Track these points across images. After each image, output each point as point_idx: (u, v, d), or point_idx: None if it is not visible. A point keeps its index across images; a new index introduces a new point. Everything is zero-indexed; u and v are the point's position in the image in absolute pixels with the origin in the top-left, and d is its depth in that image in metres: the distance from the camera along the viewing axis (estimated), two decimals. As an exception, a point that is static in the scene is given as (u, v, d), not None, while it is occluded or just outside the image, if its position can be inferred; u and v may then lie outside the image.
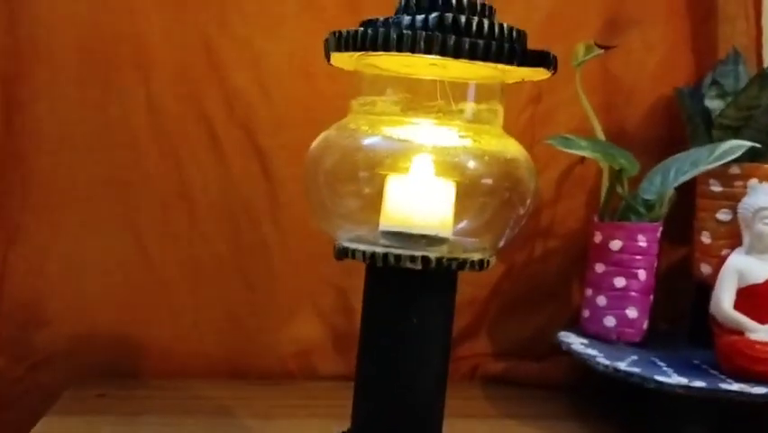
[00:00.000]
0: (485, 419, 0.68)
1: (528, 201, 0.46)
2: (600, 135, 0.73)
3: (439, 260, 0.43)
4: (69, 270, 0.70)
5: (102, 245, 0.71)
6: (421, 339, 0.45)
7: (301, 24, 0.71)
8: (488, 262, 0.45)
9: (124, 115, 0.70)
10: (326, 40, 0.44)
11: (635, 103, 0.79)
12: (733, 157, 0.65)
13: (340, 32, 0.43)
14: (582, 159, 0.77)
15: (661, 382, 0.59)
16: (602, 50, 0.71)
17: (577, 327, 0.73)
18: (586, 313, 0.72)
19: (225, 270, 0.73)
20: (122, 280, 0.71)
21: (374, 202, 0.45)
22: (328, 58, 0.45)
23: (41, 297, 0.70)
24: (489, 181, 0.44)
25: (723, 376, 0.62)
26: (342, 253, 0.45)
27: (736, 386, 0.59)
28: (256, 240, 0.73)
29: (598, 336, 0.71)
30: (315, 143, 0.47)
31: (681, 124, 0.77)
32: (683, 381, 0.59)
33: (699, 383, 0.59)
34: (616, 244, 0.70)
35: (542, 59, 0.42)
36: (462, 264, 0.44)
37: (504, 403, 0.72)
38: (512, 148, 0.45)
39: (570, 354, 0.69)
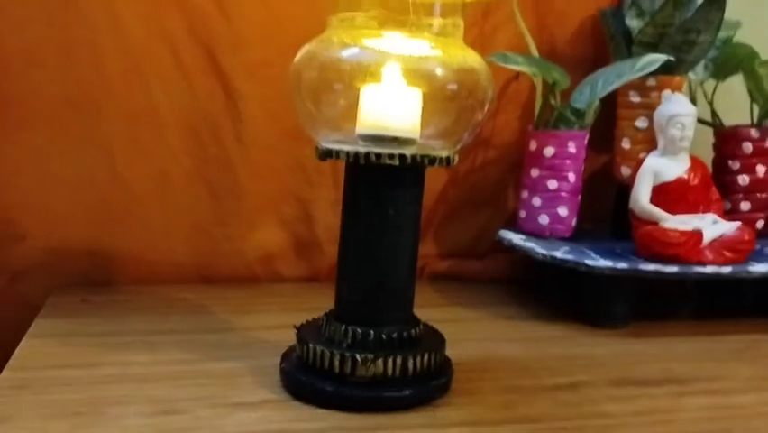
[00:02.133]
0: (436, 307, 0.76)
1: (486, 107, 0.53)
2: (535, 53, 0.80)
3: (413, 157, 0.50)
4: (41, 185, 0.73)
5: (71, 161, 0.74)
6: (396, 227, 0.52)
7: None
8: (453, 159, 0.52)
9: (89, 35, 0.72)
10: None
11: (565, 24, 0.86)
12: (652, 69, 0.73)
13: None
14: (517, 75, 0.85)
15: (591, 266, 0.69)
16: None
17: (514, 226, 0.82)
18: (522, 213, 0.81)
19: (192, 182, 0.77)
20: (92, 194, 0.75)
21: (352, 109, 0.51)
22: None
23: (15, 212, 0.73)
24: (454, 87, 0.51)
25: (641, 260, 0.72)
26: (327, 155, 0.51)
27: (652, 266, 0.69)
28: (220, 154, 0.78)
29: (533, 233, 0.79)
30: (298, 56, 0.52)
31: (605, 43, 0.85)
32: (609, 263, 0.69)
33: (622, 265, 0.69)
34: (549, 151, 0.78)
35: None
36: (433, 161, 0.51)
37: (451, 294, 0.81)
38: (473, 58, 0.52)
39: (510, 249, 0.78)
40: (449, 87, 0.51)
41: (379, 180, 0.51)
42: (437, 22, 0.51)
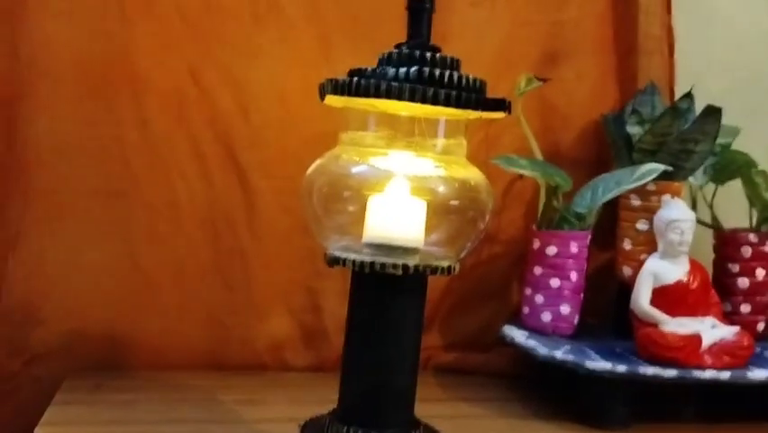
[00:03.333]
0: (439, 402, 0.77)
1: (487, 218, 0.56)
2: (539, 156, 0.84)
3: (416, 267, 0.53)
4: (65, 273, 0.77)
5: (95, 250, 0.78)
6: (399, 332, 0.54)
7: (277, 54, 0.80)
8: (454, 268, 0.55)
9: (117, 132, 0.77)
10: (322, 84, 0.53)
11: (569, 127, 0.90)
12: (650, 178, 0.76)
13: (336, 80, 0.52)
14: (521, 176, 0.88)
15: (590, 369, 0.70)
16: (541, 82, 0.82)
17: (517, 321, 0.84)
18: (526, 310, 0.83)
19: (207, 272, 0.81)
20: (113, 282, 0.78)
21: (359, 218, 0.55)
22: (322, 98, 0.54)
23: (38, 297, 0.77)
24: (456, 203, 0.54)
25: (641, 361, 0.73)
26: (334, 262, 0.54)
27: (651, 369, 0.71)
28: (234, 245, 0.81)
29: (536, 330, 0.81)
30: (310, 169, 0.56)
31: (607, 146, 0.89)
32: (608, 365, 0.70)
33: (621, 367, 0.70)
34: (551, 250, 0.81)
35: (499, 104, 0.52)
36: (434, 270, 0.53)
37: (454, 389, 0.82)
38: (475, 175, 0.55)
39: (512, 345, 0.79)
40: (451, 203, 0.54)
41: (382, 288, 0.54)
42: (441, 142, 0.54)
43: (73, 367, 0.77)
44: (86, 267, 0.78)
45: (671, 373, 0.71)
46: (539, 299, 0.82)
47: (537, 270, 0.82)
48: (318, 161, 0.56)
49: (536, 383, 0.84)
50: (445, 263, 0.54)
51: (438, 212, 0.54)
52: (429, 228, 0.54)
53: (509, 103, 0.53)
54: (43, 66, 0.75)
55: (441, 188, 0.54)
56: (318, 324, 0.84)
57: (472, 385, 0.83)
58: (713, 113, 0.76)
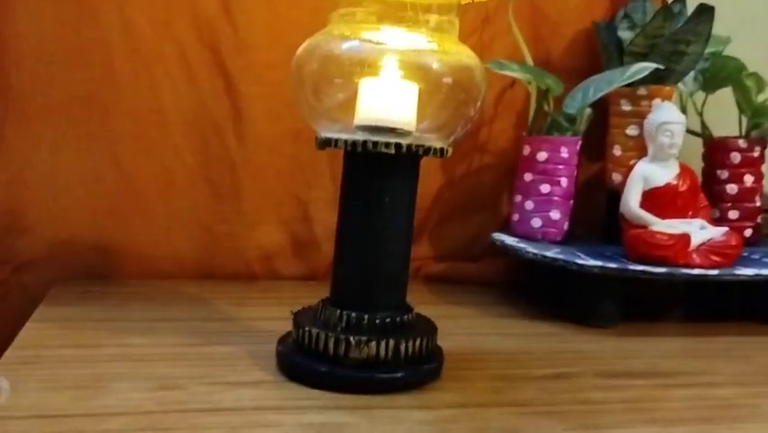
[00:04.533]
0: (429, 304, 0.77)
1: (479, 103, 0.55)
2: (530, 62, 0.83)
3: (408, 146, 0.52)
4: (49, 179, 0.76)
5: (79, 157, 0.76)
6: (391, 214, 0.54)
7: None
8: (447, 150, 0.54)
9: (99, 35, 0.75)
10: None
11: (560, 36, 0.89)
12: (641, 76, 0.76)
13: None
14: (512, 83, 0.87)
15: (581, 265, 0.71)
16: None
17: (507, 229, 0.84)
18: (515, 217, 0.83)
19: (194, 180, 0.80)
20: (98, 189, 0.77)
21: (351, 101, 0.54)
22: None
23: (23, 204, 0.76)
24: (449, 81, 0.53)
25: (630, 261, 0.74)
26: (325, 143, 0.53)
27: (641, 267, 0.71)
28: (222, 153, 0.80)
29: (525, 236, 0.81)
30: (300, 48, 0.54)
31: (597, 54, 0.88)
32: (599, 263, 0.71)
33: (612, 265, 0.71)
34: (542, 156, 0.81)
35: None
36: (427, 151, 0.53)
37: (444, 294, 0.82)
38: (468, 54, 0.54)
39: (503, 250, 0.80)
40: (444, 81, 0.53)
41: (375, 168, 0.53)
42: (434, 18, 0.53)
43: (60, 275, 0.76)
44: (70, 173, 0.76)
45: (660, 269, 0.71)
46: (529, 205, 0.81)
47: (527, 176, 0.82)
48: (308, 40, 0.54)
49: (527, 289, 0.84)
50: (438, 145, 0.54)
51: (431, 90, 0.53)
52: (421, 110, 0.53)
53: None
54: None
55: (434, 64, 0.53)
56: (308, 233, 0.84)
57: (462, 292, 0.84)
58: (705, 12, 0.76)
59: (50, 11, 0.74)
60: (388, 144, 0.51)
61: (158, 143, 0.78)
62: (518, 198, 0.83)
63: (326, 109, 0.54)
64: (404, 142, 0.52)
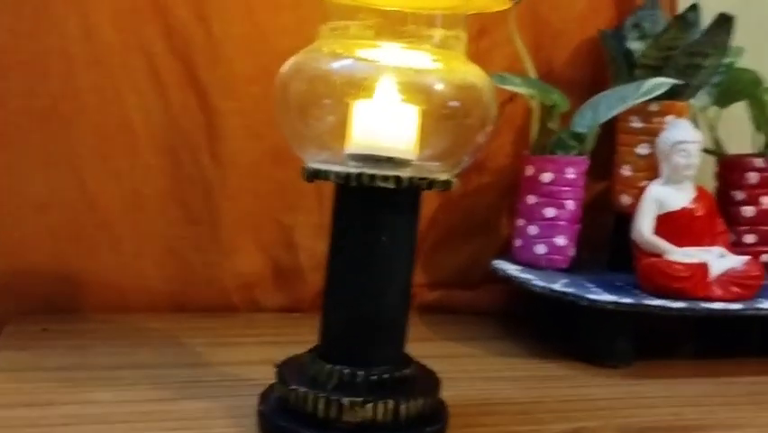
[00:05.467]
0: (425, 341, 0.71)
1: (489, 127, 0.48)
2: (533, 74, 0.77)
3: (410, 179, 0.45)
4: (5, 204, 0.68)
5: (39, 179, 0.69)
6: (389, 255, 0.47)
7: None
8: (452, 182, 0.47)
9: (60, 44, 0.67)
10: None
11: (562, 45, 0.83)
12: (658, 93, 0.69)
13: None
14: (511, 97, 0.81)
15: (593, 300, 0.64)
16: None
17: (508, 255, 0.77)
18: (518, 242, 0.76)
19: (166, 204, 0.73)
20: (60, 214, 0.70)
21: (343, 126, 0.47)
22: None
23: (-26, 232, 0.68)
24: (456, 104, 0.47)
25: (644, 294, 0.67)
26: (314, 175, 0.47)
27: (658, 302, 0.65)
28: (197, 174, 0.73)
29: (528, 264, 0.75)
30: (285, 67, 0.48)
31: (603, 65, 0.82)
32: (613, 298, 0.64)
33: (627, 300, 0.64)
34: (546, 177, 0.74)
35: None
36: (431, 184, 0.46)
37: (441, 327, 0.76)
38: (477, 73, 0.48)
39: (505, 280, 0.73)
40: (449, 105, 0.46)
41: (371, 204, 0.46)
42: (438, 33, 0.46)
43: (18, 309, 0.69)
44: (29, 198, 0.69)
45: (678, 304, 0.65)
46: (532, 230, 0.75)
47: (530, 199, 0.75)
48: (294, 58, 0.47)
49: (528, 320, 0.78)
50: (443, 177, 0.47)
51: (434, 116, 0.46)
52: (422, 136, 0.47)
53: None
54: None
55: (438, 85, 0.46)
56: (291, 261, 0.77)
57: (461, 324, 0.77)
58: (725, 22, 0.70)
59: (4, 17, 0.66)
60: (386, 177, 0.45)
61: (125, 163, 0.71)
62: (521, 221, 0.76)
63: (314, 135, 0.48)
64: (404, 174, 0.45)
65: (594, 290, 0.67)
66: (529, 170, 0.75)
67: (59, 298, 0.71)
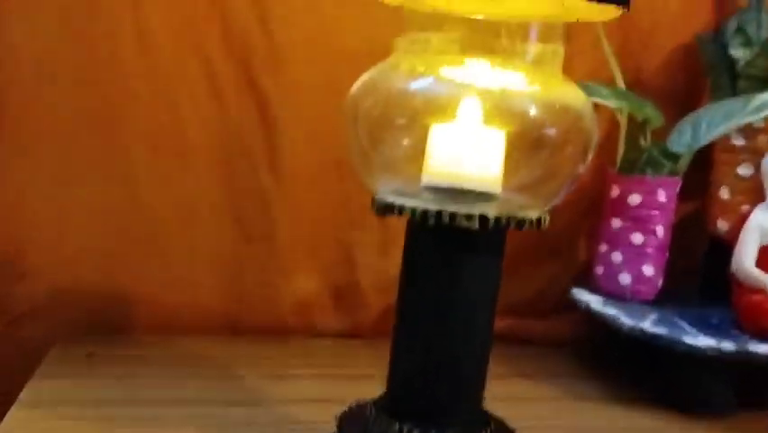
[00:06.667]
0: (496, 379, 0.65)
1: (590, 155, 0.42)
2: (621, 83, 0.69)
3: (497, 219, 0.39)
4: (50, 216, 0.64)
5: (86, 188, 0.65)
6: (469, 302, 0.41)
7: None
8: (544, 220, 0.41)
9: (111, 46, 0.63)
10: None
11: (653, 51, 0.75)
12: (771, 111, 0.62)
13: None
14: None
15: (691, 345, 0.57)
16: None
17: (587, 282, 0.71)
18: (600, 270, 0.70)
19: (221, 218, 0.68)
20: (108, 228, 0.65)
21: (419, 152, 0.41)
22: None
23: (19, 246, 0.64)
24: (550, 131, 0.40)
25: (746, 336, 0.60)
26: (386, 209, 0.41)
27: (765, 348, 0.57)
28: (253, 187, 0.68)
29: (611, 294, 0.68)
30: (356, 86, 0.42)
31: (699, 74, 0.74)
32: (712, 343, 0.57)
33: (728, 346, 0.57)
34: (634, 199, 0.67)
35: None
36: (521, 223, 0.40)
37: (512, 362, 0.69)
38: (576, 95, 0.41)
39: (587, 313, 0.66)
40: (543, 131, 0.40)
41: (451, 245, 0.40)
42: (534, 48, 0.40)
43: (63, 329, 0.65)
44: (75, 209, 0.64)
45: (790, 351, 0.58)
46: (617, 257, 0.68)
47: (615, 222, 0.68)
48: (367, 75, 0.42)
49: (606, 353, 0.71)
50: (534, 214, 0.41)
51: (525, 144, 0.40)
52: (511, 167, 0.41)
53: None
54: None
55: (531, 110, 0.40)
56: (352, 282, 0.71)
57: (533, 357, 0.71)
58: None
59: (52, 18, 0.62)
60: (470, 217, 0.39)
61: (178, 175, 0.66)
62: (604, 247, 0.69)
63: (387, 162, 0.42)
64: (489, 211, 0.39)
65: (689, 330, 0.60)
66: (614, 191, 0.68)
67: (107, 317, 0.67)
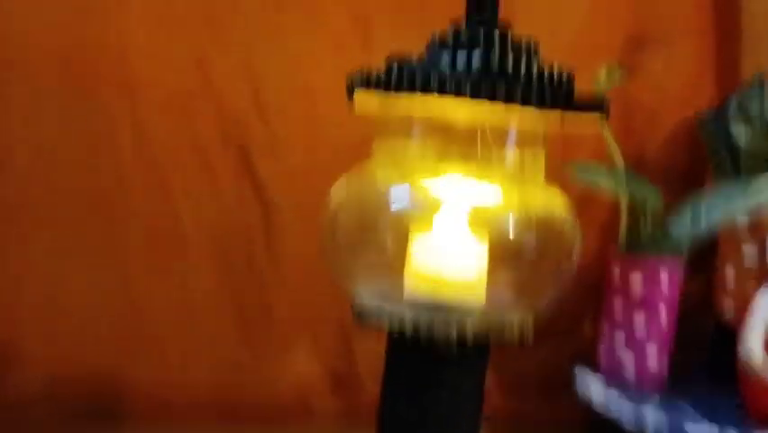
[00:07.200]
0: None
1: (571, 265, 0.41)
2: (620, 163, 0.68)
3: (476, 335, 0.38)
4: (46, 305, 0.65)
5: (82, 277, 0.65)
6: (451, 416, 0.40)
7: (303, 39, 0.66)
8: (527, 335, 0.40)
9: (107, 136, 0.64)
10: (350, 78, 0.39)
11: (655, 128, 0.74)
12: (772, 195, 0.60)
13: (368, 72, 0.37)
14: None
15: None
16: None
17: (590, 364, 0.69)
18: (602, 349, 0.68)
19: (217, 304, 0.68)
20: (104, 316, 0.66)
21: (397, 261, 0.40)
22: (351, 96, 0.40)
23: (15, 334, 0.65)
24: (530, 241, 0.39)
25: (754, 426, 0.58)
26: (365, 316, 0.40)
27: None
28: (250, 272, 0.68)
29: (613, 374, 0.66)
30: (333, 191, 0.41)
31: (701, 153, 0.73)
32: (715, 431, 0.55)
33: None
34: (636, 279, 0.66)
35: (597, 104, 0.38)
36: (501, 337, 0.39)
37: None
38: (557, 202, 0.40)
39: (586, 401, 0.65)
40: (523, 242, 0.39)
41: (431, 359, 0.39)
42: (512, 153, 0.39)
43: (57, 418, 0.65)
44: (71, 298, 0.65)
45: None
46: (619, 337, 0.67)
47: (617, 304, 0.67)
48: (343, 180, 0.41)
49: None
50: (515, 327, 0.40)
51: (506, 255, 0.39)
52: (492, 277, 0.40)
53: (608, 103, 0.38)
54: (18, 51, 0.62)
55: (509, 222, 0.39)
56: (350, 365, 0.71)
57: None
58: None
59: (49, 105, 0.63)
60: (448, 335, 0.38)
61: (174, 261, 0.67)
62: (606, 328, 0.68)
63: (364, 271, 0.41)
64: (470, 327, 0.38)
65: (692, 415, 0.58)
66: (616, 271, 0.67)
67: (101, 406, 0.66)
